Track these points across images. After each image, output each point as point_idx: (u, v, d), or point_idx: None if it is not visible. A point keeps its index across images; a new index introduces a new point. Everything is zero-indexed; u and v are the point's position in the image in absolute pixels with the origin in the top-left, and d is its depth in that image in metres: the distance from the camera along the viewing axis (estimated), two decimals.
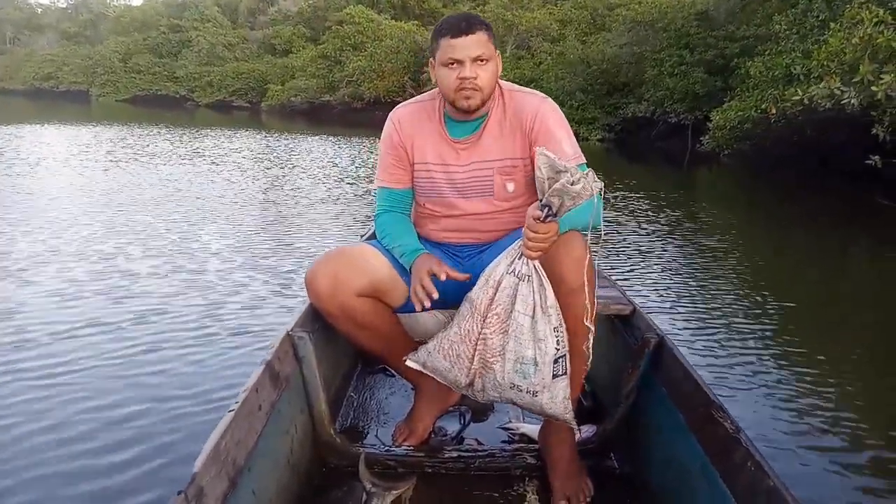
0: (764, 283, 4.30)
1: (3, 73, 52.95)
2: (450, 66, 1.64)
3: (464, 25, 1.62)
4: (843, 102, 4.93)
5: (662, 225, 6.16)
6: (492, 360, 1.52)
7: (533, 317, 1.48)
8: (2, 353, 2.71)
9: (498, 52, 1.69)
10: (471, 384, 1.58)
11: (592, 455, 1.81)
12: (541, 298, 1.47)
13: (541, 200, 1.37)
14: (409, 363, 1.65)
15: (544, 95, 1.78)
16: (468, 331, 1.53)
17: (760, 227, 6.66)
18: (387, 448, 1.85)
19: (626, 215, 6.47)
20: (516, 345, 1.49)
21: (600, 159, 13.03)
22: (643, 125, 15.76)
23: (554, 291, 1.48)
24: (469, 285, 1.61)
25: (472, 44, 1.61)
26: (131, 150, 11.78)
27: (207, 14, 49.43)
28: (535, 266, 1.47)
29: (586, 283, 1.50)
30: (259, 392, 1.45)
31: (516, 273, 1.48)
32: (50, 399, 2.32)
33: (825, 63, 5.24)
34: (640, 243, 5.24)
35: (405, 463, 1.77)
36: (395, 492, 1.58)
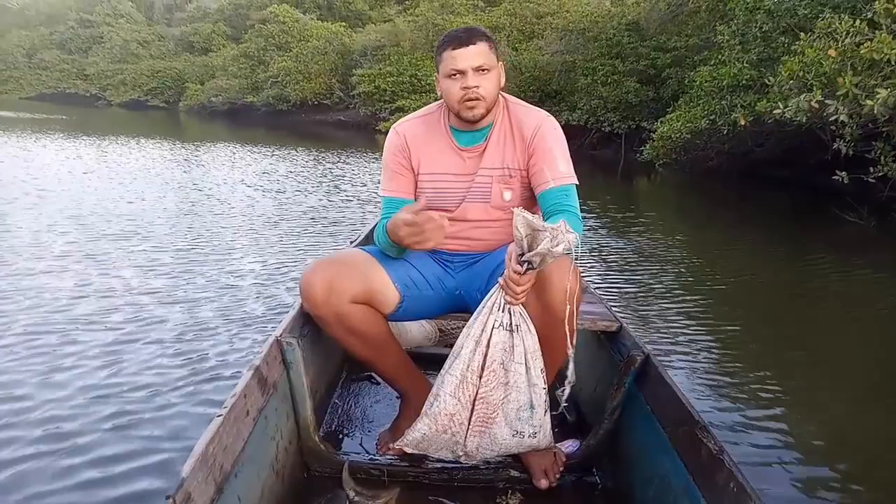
0: (749, 301, 4.13)
1: None
2: (452, 76, 1.70)
3: (464, 37, 1.68)
4: (831, 118, 4.61)
5: (638, 239, 5.77)
6: (493, 414, 1.58)
7: (525, 363, 1.54)
8: None
9: (501, 62, 1.75)
10: (465, 446, 1.62)
11: (575, 470, 1.82)
12: (531, 344, 1.53)
13: (520, 255, 1.41)
14: (402, 448, 1.67)
15: (547, 113, 1.82)
16: (469, 397, 1.57)
17: (742, 242, 6.25)
18: (371, 456, 1.86)
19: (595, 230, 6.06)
20: (517, 394, 1.56)
21: None
22: (576, 133, 15.62)
23: (541, 320, 1.53)
24: (457, 295, 1.84)
25: (474, 54, 1.68)
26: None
27: (121, 9, 47.09)
28: (520, 314, 1.52)
29: (573, 310, 1.50)
30: (247, 397, 1.44)
31: (505, 326, 1.53)
32: (38, 403, 2.27)
33: (801, 75, 4.95)
34: (614, 260, 4.94)
35: (389, 472, 1.77)
36: (378, 501, 1.60)
